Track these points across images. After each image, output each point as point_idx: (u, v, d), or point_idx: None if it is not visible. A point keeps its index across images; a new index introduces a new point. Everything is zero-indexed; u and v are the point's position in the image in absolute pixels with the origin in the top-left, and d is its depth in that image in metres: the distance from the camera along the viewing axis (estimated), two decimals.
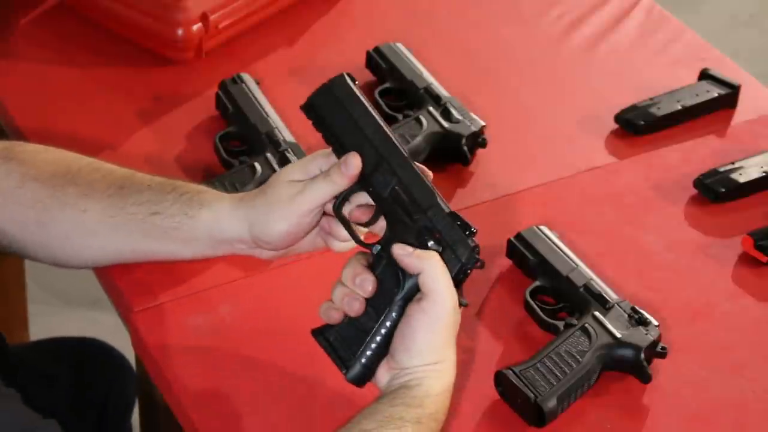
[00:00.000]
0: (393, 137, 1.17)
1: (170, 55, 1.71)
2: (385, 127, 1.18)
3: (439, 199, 1.14)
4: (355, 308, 1.14)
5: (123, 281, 1.38)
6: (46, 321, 2.51)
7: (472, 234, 1.13)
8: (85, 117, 1.63)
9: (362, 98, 1.19)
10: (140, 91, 1.68)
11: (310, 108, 1.21)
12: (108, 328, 1.85)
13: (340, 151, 1.19)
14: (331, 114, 1.19)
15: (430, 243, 1.13)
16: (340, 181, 1.17)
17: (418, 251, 1.13)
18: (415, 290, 1.13)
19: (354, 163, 1.16)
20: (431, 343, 1.12)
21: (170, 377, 1.29)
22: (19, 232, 1.30)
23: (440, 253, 1.13)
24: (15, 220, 1.30)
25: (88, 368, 1.68)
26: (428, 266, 1.12)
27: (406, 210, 1.15)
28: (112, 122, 1.63)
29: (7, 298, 2.22)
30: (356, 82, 1.20)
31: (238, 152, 1.54)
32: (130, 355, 1.58)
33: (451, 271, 1.12)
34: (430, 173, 1.17)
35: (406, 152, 1.17)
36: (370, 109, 1.18)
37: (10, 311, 2.24)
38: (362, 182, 1.17)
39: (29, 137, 1.56)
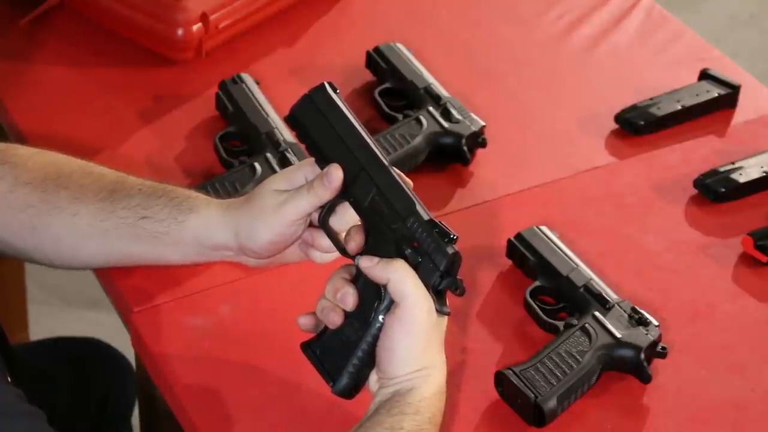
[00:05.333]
0: (373, 146, 1.16)
1: (170, 55, 1.71)
2: (365, 136, 1.17)
3: (418, 207, 1.13)
4: (332, 320, 1.14)
5: (123, 282, 1.38)
6: (46, 321, 2.51)
7: (452, 241, 1.11)
8: (85, 117, 1.63)
9: (343, 107, 1.18)
10: (140, 91, 1.68)
11: (293, 119, 1.20)
12: (108, 328, 1.85)
13: (322, 161, 1.18)
14: (312, 124, 1.19)
15: (408, 252, 1.13)
16: (323, 194, 1.17)
17: (384, 260, 1.12)
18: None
19: (336, 175, 1.16)
20: (412, 350, 1.12)
21: (170, 377, 1.29)
22: (12, 236, 1.30)
23: (419, 262, 1.12)
24: (7, 224, 1.30)
25: (88, 368, 1.68)
26: (393, 274, 1.11)
27: (385, 219, 1.14)
28: (112, 122, 1.63)
29: (7, 298, 2.22)
30: (337, 91, 1.19)
31: (238, 152, 1.54)
32: (130, 355, 1.58)
33: (429, 280, 1.11)
34: (410, 182, 1.16)
35: (386, 161, 1.16)
36: (351, 117, 1.18)
37: (10, 311, 2.24)
38: (344, 193, 1.17)
39: (29, 137, 1.56)
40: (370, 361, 1.14)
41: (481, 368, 1.32)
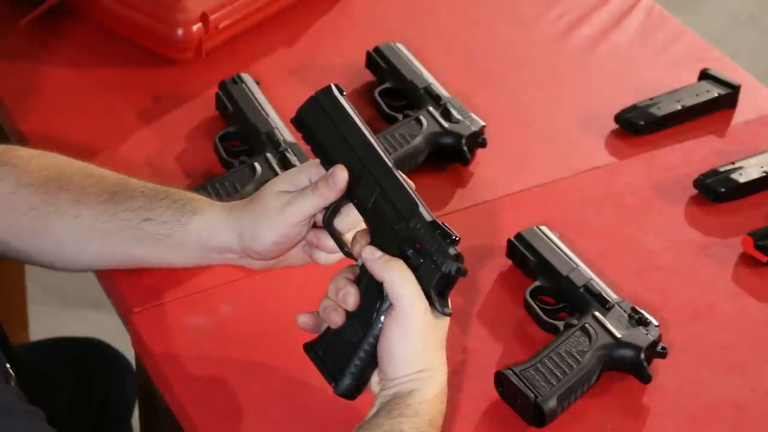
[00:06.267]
0: (377, 147, 1.16)
1: (170, 55, 1.71)
2: (370, 137, 1.17)
3: (421, 208, 1.13)
4: (333, 319, 1.14)
5: (123, 282, 1.38)
6: (46, 321, 2.51)
7: (454, 242, 1.11)
8: (85, 117, 1.63)
9: (348, 109, 1.18)
10: (140, 91, 1.68)
11: (299, 121, 1.21)
12: (108, 329, 1.85)
13: (327, 162, 1.18)
14: (318, 126, 1.19)
15: (410, 252, 1.12)
16: (328, 194, 1.17)
17: (385, 257, 1.12)
18: None
19: (341, 176, 1.16)
20: (410, 352, 1.12)
21: (170, 377, 1.29)
22: (14, 238, 1.30)
23: (421, 263, 1.12)
24: (9, 225, 1.29)
25: (88, 368, 1.68)
26: (389, 274, 1.11)
27: (388, 220, 1.14)
28: (112, 122, 1.63)
29: (7, 298, 2.22)
30: (343, 93, 1.19)
31: (238, 152, 1.54)
32: (130, 356, 1.58)
33: (431, 281, 1.11)
34: (412, 183, 1.17)
35: (390, 162, 1.16)
36: (356, 119, 1.18)
37: (10, 311, 2.24)
38: (348, 194, 1.17)
39: (29, 137, 1.56)
40: (372, 362, 1.14)
41: (481, 368, 1.32)
